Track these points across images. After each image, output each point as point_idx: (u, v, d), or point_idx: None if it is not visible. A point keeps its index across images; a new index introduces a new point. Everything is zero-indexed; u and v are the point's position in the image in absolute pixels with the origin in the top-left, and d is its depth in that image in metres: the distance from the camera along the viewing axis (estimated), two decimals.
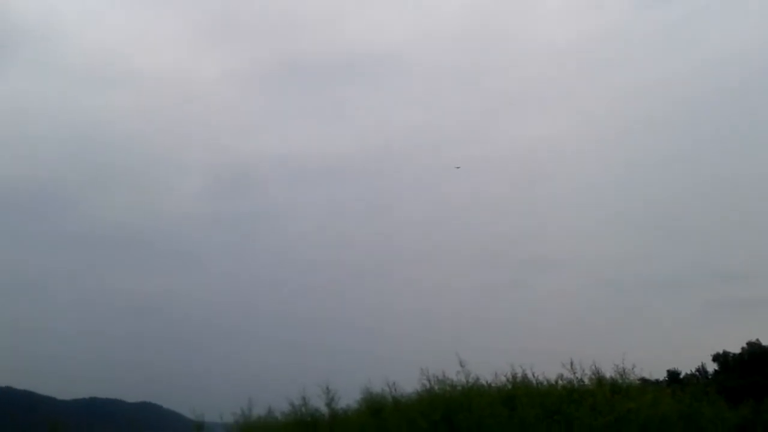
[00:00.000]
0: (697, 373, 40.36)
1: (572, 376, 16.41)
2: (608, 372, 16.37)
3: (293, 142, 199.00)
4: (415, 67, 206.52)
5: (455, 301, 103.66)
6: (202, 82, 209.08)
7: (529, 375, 17.15)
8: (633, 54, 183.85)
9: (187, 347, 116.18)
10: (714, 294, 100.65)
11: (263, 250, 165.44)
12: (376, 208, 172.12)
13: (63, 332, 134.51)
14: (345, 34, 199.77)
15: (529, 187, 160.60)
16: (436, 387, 17.56)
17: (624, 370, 16.25)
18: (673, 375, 38.02)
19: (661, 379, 34.43)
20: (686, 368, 40.38)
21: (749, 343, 40.99)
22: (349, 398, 18.97)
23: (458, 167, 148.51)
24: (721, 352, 41.83)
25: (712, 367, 41.47)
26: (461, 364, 17.29)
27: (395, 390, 18.32)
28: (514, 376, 17.25)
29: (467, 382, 17.21)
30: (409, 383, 18.25)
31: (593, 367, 16.43)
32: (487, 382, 17.51)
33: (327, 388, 18.43)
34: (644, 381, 17.89)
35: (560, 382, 16.53)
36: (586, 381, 16.32)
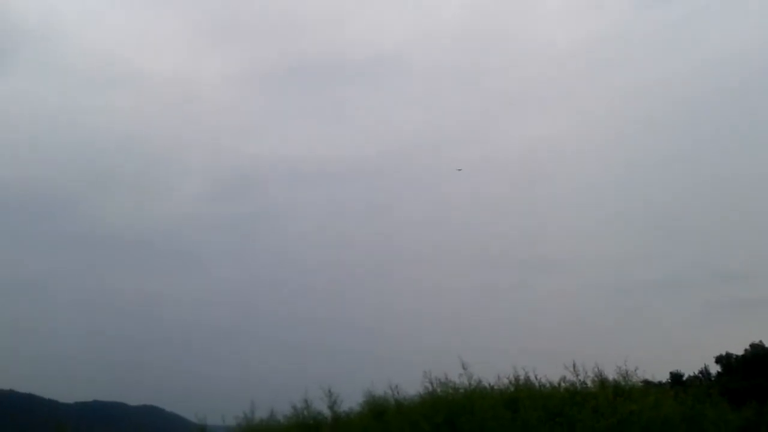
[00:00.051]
0: (700, 374, 40.32)
1: (575, 379, 16.42)
2: (611, 374, 16.39)
3: (293, 143, 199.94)
4: (415, 67, 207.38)
5: (456, 302, 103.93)
6: (203, 84, 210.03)
7: (532, 377, 17.17)
8: (633, 54, 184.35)
9: (190, 350, 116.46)
10: (715, 294, 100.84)
11: (264, 251, 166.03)
12: (376, 208, 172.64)
13: (65, 335, 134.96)
14: (345, 35, 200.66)
15: (530, 188, 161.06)
16: (439, 389, 17.54)
17: (626, 372, 16.25)
18: (675, 377, 37.97)
19: (664, 380, 34.35)
20: (689, 370, 40.42)
21: (752, 345, 40.97)
22: (351, 401, 18.97)
23: (460, 169, 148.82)
24: (723, 353, 41.82)
25: (714, 368, 41.47)
26: (464, 367, 17.29)
27: (398, 393, 18.31)
28: (517, 379, 17.26)
29: (470, 384, 17.20)
30: (411, 386, 18.26)
31: (596, 369, 16.45)
32: (489, 384, 17.52)
33: (329, 391, 18.43)
34: (647, 383, 17.89)
35: (563, 384, 16.53)
36: (589, 383, 16.32)
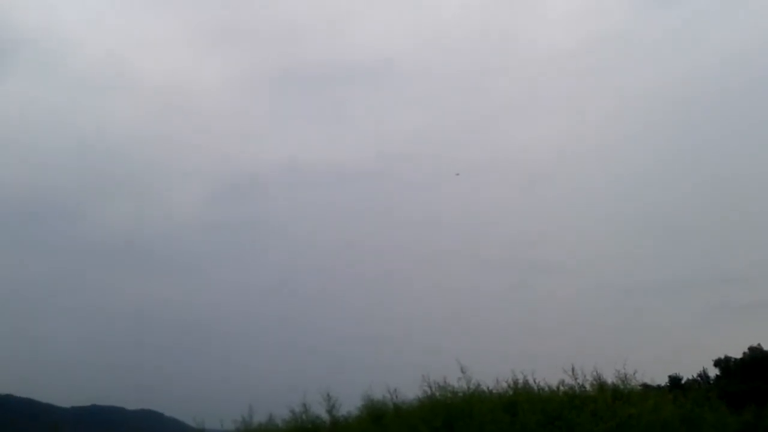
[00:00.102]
0: (699, 378, 40.35)
1: (573, 382, 16.44)
2: (610, 378, 16.43)
3: (293, 145, 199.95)
4: (415, 69, 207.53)
5: (456, 304, 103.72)
6: (203, 86, 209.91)
7: (531, 381, 17.16)
8: (633, 56, 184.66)
9: (188, 354, 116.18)
10: (715, 297, 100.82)
11: (263, 256, 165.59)
12: (376, 210, 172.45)
13: (63, 339, 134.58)
14: (346, 39, 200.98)
15: (530, 189, 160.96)
16: (438, 393, 17.52)
17: (625, 376, 16.29)
18: (674, 380, 37.97)
19: (663, 384, 34.34)
20: (688, 373, 40.46)
21: (751, 348, 41.00)
22: (350, 405, 18.93)
23: (458, 174, 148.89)
24: (722, 356, 41.86)
25: (713, 372, 41.52)
26: (462, 370, 17.27)
27: (396, 396, 18.28)
28: (516, 382, 17.25)
29: (468, 388, 17.19)
30: (410, 389, 18.25)
31: (594, 373, 16.49)
32: (488, 388, 17.48)
33: (328, 395, 18.40)
34: (646, 386, 17.89)
35: (562, 387, 16.52)
36: (588, 387, 16.34)
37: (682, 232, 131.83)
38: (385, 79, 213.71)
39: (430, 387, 17.70)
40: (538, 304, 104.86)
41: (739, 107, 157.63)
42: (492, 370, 18.26)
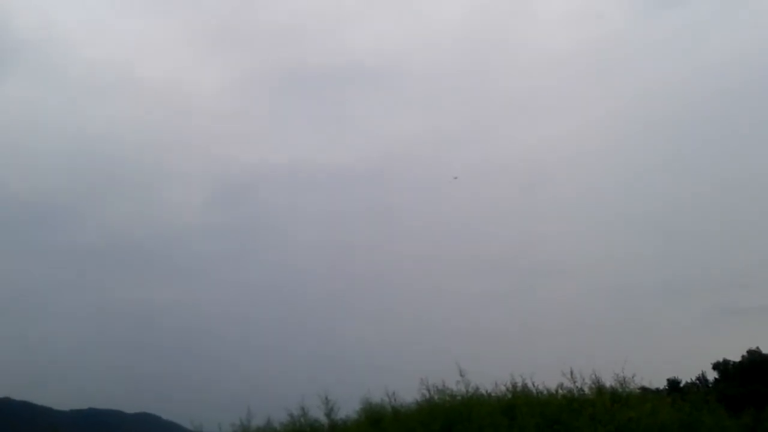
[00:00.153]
0: (698, 381, 40.36)
1: (572, 386, 16.40)
2: (608, 381, 16.39)
3: (293, 148, 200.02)
4: (415, 71, 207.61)
5: (455, 307, 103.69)
6: (203, 90, 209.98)
7: (529, 384, 17.13)
8: (634, 58, 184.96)
9: (186, 358, 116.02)
10: (714, 301, 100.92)
11: (262, 260, 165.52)
12: (376, 212, 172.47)
13: (61, 343, 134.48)
14: (346, 42, 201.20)
15: (530, 191, 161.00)
16: (436, 397, 17.52)
17: (624, 379, 16.27)
18: (673, 383, 37.97)
19: (662, 387, 34.37)
20: (686, 377, 40.45)
21: (749, 351, 41.02)
22: (348, 408, 18.90)
23: (456, 177, 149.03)
24: (721, 360, 41.86)
25: (712, 375, 41.51)
26: (461, 374, 17.29)
27: (395, 400, 18.27)
28: (514, 386, 17.22)
29: (467, 391, 17.19)
30: (408, 393, 18.23)
31: (593, 377, 16.44)
32: (487, 391, 17.49)
33: (326, 398, 18.38)
34: (644, 390, 17.88)
35: (560, 391, 16.49)
36: (586, 390, 16.31)
37: (681, 235, 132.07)
38: (385, 80, 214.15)
39: (429, 390, 17.72)
40: (538, 306, 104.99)
41: (739, 107, 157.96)
42: (491, 373, 18.26)
